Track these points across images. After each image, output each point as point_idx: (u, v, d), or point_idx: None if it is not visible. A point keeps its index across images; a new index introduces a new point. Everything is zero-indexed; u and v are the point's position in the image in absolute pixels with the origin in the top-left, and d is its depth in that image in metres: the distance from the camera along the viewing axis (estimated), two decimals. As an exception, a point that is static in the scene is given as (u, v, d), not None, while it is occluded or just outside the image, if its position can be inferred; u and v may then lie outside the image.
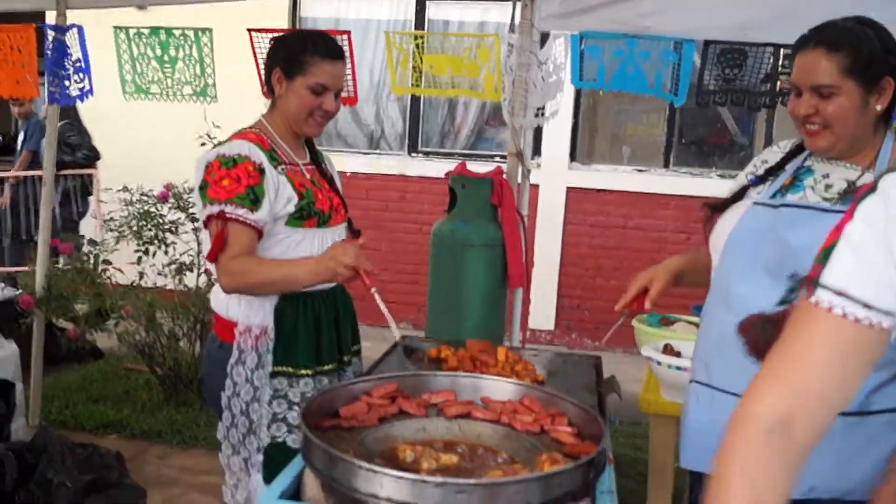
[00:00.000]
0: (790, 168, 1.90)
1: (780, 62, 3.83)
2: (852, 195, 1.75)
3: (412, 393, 1.88)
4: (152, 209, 4.49)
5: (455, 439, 1.73)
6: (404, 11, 6.98)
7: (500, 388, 1.89)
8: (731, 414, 1.74)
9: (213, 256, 2.14)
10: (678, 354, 2.68)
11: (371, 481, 1.39)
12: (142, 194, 4.54)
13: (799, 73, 1.77)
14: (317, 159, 2.39)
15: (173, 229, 4.47)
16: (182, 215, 4.46)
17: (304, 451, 1.56)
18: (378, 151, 7.13)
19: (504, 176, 3.66)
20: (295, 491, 1.56)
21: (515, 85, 3.72)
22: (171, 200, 4.39)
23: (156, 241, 4.49)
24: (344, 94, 3.59)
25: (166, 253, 4.50)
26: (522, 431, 1.71)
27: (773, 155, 1.98)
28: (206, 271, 4.46)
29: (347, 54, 3.97)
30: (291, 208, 2.18)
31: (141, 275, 4.56)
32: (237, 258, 2.11)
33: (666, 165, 6.70)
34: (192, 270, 4.52)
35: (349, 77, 4.05)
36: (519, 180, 3.84)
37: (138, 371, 4.98)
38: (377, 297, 2.05)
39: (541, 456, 1.51)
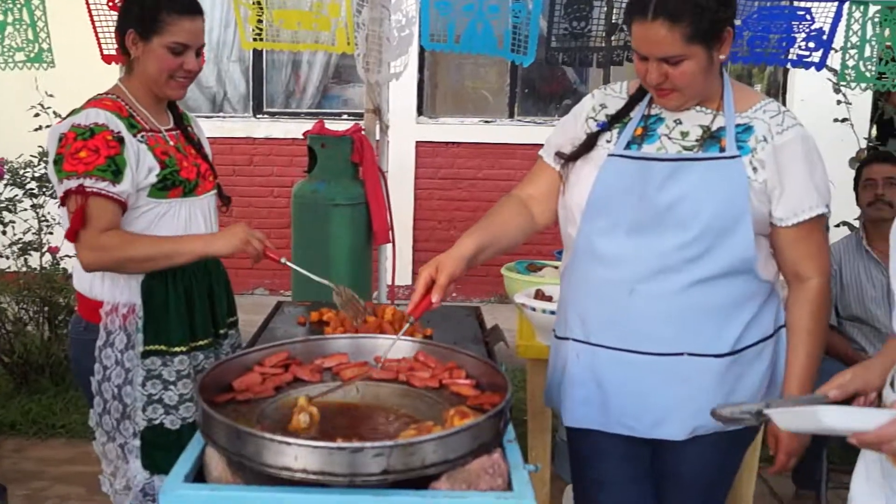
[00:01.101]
0: (636, 115, 1.87)
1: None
2: (711, 139, 1.79)
3: (305, 359, 1.85)
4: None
5: (354, 403, 1.72)
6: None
7: (394, 346, 1.89)
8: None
9: (73, 234, 2.01)
10: (549, 299, 2.76)
11: (284, 454, 1.36)
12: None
13: (641, 44, 1.72)
14: (182, 124, 2.27)
15: (11, 207, 4.15)
16: (19, 192, 4.15)
17: (206, 428, 1.50)
18: (222, 115, 6.87)
19: (362, 133, 3.63)
20: (198, 473, 1.50)
21: (369, 40, 3.66)
22: (7, 177, 4.07)
23: (-7, 221, 4.17)
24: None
25: (4, 233, 4.19)
26: (421, 388, 1.72)
27: (610, 99, 1.93)
28: (52, 250, 4.18)
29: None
30: (154, 178, 2.07)
31: (-22, 258, 4.24)
32: (106, 233, 2.00)
33: (511, 116, 6.85)
34: (37, 250, 4.23)
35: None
36: (377, 137, 3.81)
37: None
38: (290, 264, 2.05)
39: (449, 411, 1.53)
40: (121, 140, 2.02)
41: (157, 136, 2.14)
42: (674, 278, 1.77)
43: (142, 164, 2.05)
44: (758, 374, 1.87)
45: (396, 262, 3.69)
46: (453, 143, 6.75)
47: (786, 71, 6.66)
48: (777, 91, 6.81)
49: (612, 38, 3.85)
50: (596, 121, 1.91)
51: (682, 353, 1.80)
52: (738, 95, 1.84)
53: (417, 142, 6.74)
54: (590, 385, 1.88)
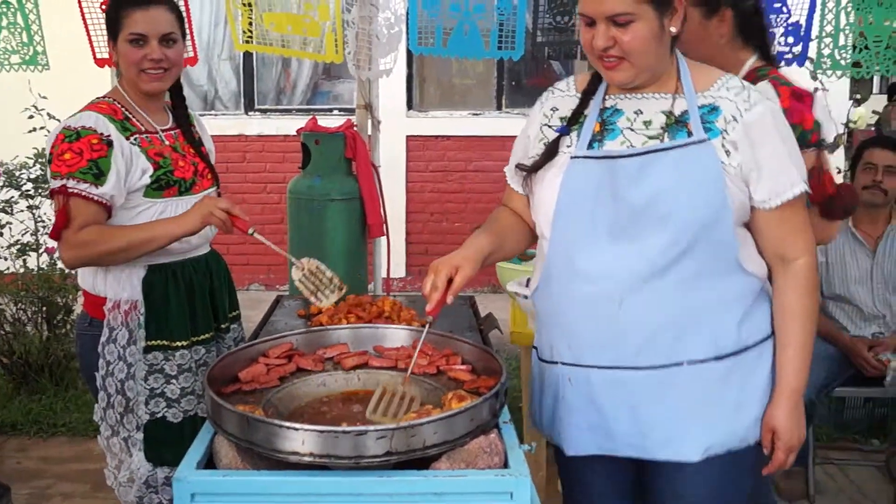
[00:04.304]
0: (592, 111, 1.74)
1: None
2: (676, 125, 1.66)
3: (307, 350, 1.92)
4: (-18, 189, 4.20)
5: (356, 390, 1.79)
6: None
7: (392, 335, 1.97)
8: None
9: (55, 233, 2.08)
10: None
11: (292, 439, 1.43)
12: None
13: (591, 5, 1.62)
14: (184, 123, 2.33)
15: (7, 209, 4.20)
16: (15, 193, 4.20)
17: (215, 418, 1.57)
18: (214, 112, 6.91)
19: (354, 129, 3.69)
20: (209, 460, 1.57)
21: (359, 38, 3.72)
22: (3, 178, 4.11)
23: (-10, 223, 4.21)
24: (188, 53, 3.49)
25: (1, 235, 4.23)
26: (420, 374, 1.80)
27: (560, 100, 1.81)
28: (49, 250, 4.23)
29: (184, 13, 3.85)
30: (147, 179, 2.13)
31: (-24, 260, 4.28)
32: (84, 229, 2.05)
33: (499, 108, 6.93)
34: (35, 251, 4.27)
35: (187, 35, 3.91)
36: (369, 132, 3.87)
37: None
38: (258, 236, 2.08)
39: (447, 395, 1.60)
40: (109, 143, 2.07)
41: (152, 137, 2.19)
42: (661, 282, 1.64)
43: (134, 167, 2.11)
44: (762, 377, 1.73)
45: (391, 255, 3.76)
46: (443, 136, 6.82)
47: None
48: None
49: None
50: (551, 127, 1.78)
51: (681, 363, 1.68)
52: (695, 74, 1.71)
53: (408, 136, 6.80)
54: (589, 410, 1.74)
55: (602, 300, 1.67)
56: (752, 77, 2.06)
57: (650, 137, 1.67)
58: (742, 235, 1.70)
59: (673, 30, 1.65)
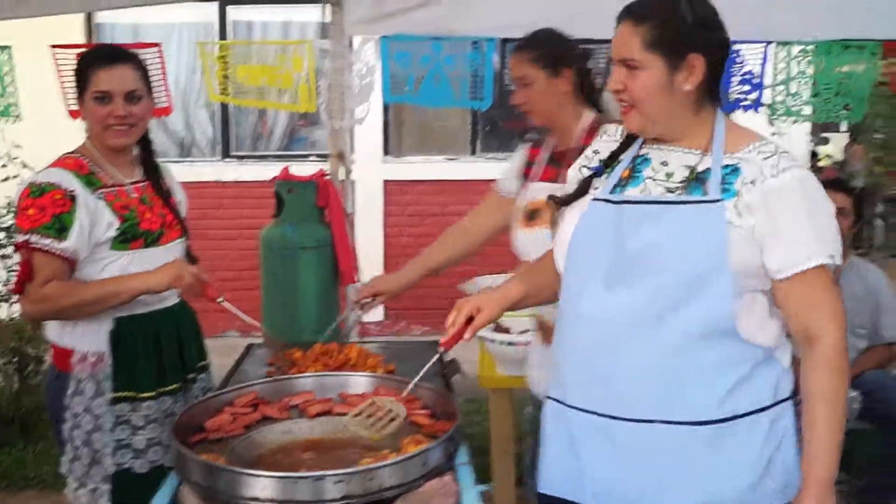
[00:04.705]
0: (626, 157, 1.77)
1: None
2: (696, 182, 1.66)
3: (273, 398, 1.97)
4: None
5: (319, 437, 1.85)
6: (206, 14, 6.86)
7: (356, 383, 2.03)
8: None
9: (19, 286, 2.14)
10: (507, 330, 2.91)
11: (253, 485, 1.49)
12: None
13: (613, 47, 1.69)
14: (153, 175, 2.39)
15: (-20, 259, 4.25)
16: (-12, 244, 4.25)
17: (180, 467, 1.63)
18: (190, 159, 7.00)
19: (327, 177, 3.77)
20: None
21: (332, 89, 3.83)
22: (-25, 228, 4.16)
23: (-39, 272, 4.24)
24: (163, 103, 3.57)
25: (-28, 284, 4.27)
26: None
27: (604, 144, 1.85)
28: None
29: (159, 64, 3.95)
30: (113, 232, 2.18)
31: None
32: (48, 284, 2.10)
33: (473, 153, 7.07)
34: (6, 301, 4.30)
35: (160, 85, 4.01)
36: (342, 178, 3.97)
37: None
38: (227, 305, 2.14)
39: (405, 439, 1.67)
40: (72, 198, 2.13)
41: (118, 191, 2.25)
42: (649, 335, 1.63)
43: (99, 221, 2.17)
44: (752, 450, 1.65)
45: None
46: (419, 180, 6.93)
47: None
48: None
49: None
50: (589, 168, 1.83)
51: (655, 421, 1.64)
52: (731, 136, 1.69)
53: (385, 181, 6.91)
54: (565, 450, 1.75)
55: (593, 346, 1.68)
56: (596, 125, 2.35)
57: (668, 190, 1.68)
58: (749, 303, 1.65)
59: (688, 87, 1.65)
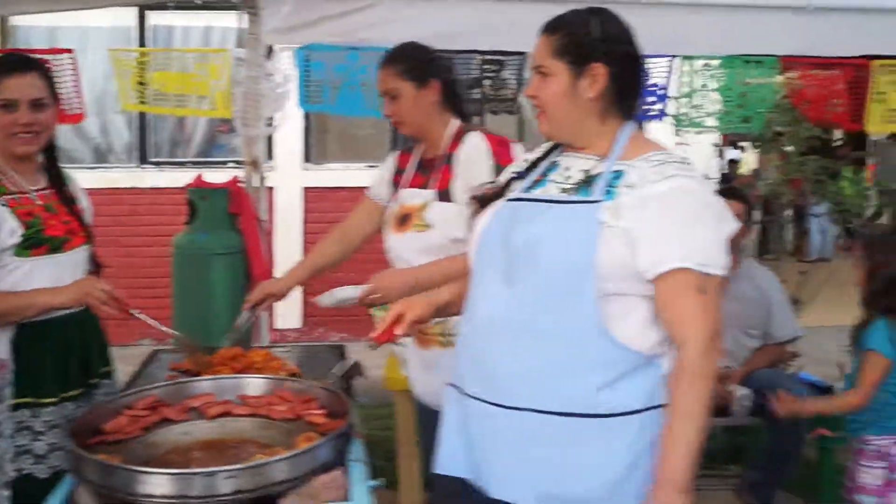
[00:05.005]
0: (545, 162, 1.87)
1: (483, 69, 4.28)
2: (585, 184, 1.74)
3: (173, 401, 2.02)
4: None
5: (218, 437, 1.90)
6: (126, 19, 6.79)
7: (255, 385, 2.09)
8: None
9: None
10: (412, 335, 2.99)
11: (147, 483, 1.54)
12: None
13: (532, 57, 1.81)
14: (58, 183, 2.40)
15: None
16: None
17: (75, 467, 1.67)
18: (106, 165, 6.92)
19: (241, 184, 3.81)
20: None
21: (246, 97, 3.87)
22: None
23: None
24: (75, 110, 3.56)
25: None
26: (280, 420, 1.93)
27: (534, 153, 1.93)
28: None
29: (71, 70, 3.93)
30: (17, 239, 2.20)
31: None
32: None
33: (396, 159, 7.14)
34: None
35: (74, 92, 3.99)
36: (256, 185, 4.01)
37: None
38: (142, 316, 2.18)
39: (298, 437, 1.74)
40: None
41: (22, 198, 2.27)
42: (527, 328, 1.69)
43: (2, 227, 2.19)
44: (617, 450, 1.69)
45: (285, 306, 3.87)
46: (340, 187, 6.97)
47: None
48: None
49: (475, 89, 4.20)
50: (516, 173, 1.91)
51: (529, 410, 1.69)
52: (633, 145, 1.77)
53: (305, 188, 6.93)
54: (459, 433, 1.83)
55: (479, 335, 1.76)
56: (461, 132, 2.53)
57: (562, 191, 1.76)
58: (628, 307, 1.69)
59: (591, 95, 1.73)
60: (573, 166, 1.80)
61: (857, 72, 4.17)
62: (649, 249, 1.64)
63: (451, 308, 1.94)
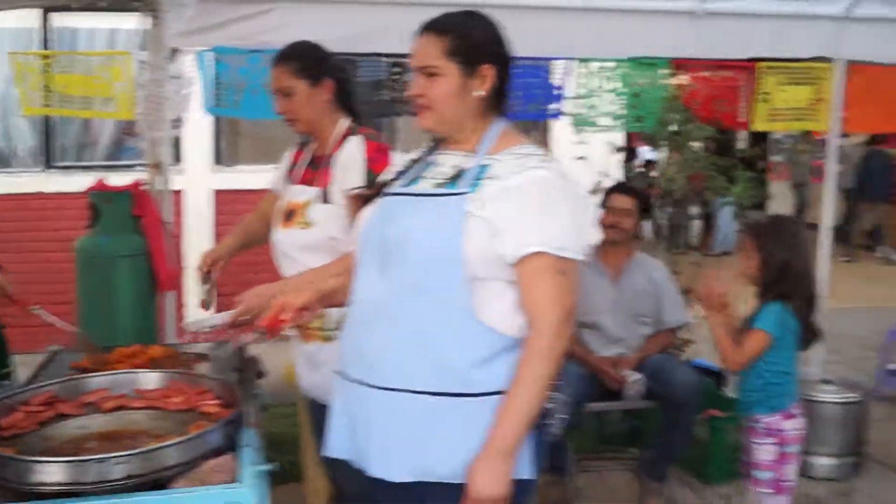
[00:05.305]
0: (422, 163, 1.98)
1: (391, 71, 4.39)
2: (455, 178, 1.86)
3: (69, 396, 2.07)
4: None
5: (113, 429, 1.96)
6: (28, 20, 6.66)
7: (151, 379, 2.16)
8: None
9: None
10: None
11: (40, 472, 1.61)
12: None
13: (413, 56, 1.89)
14: None
15: None
16: None
17: (-32, 461, 1.71)
18: (9, 170, 6.78)
19: (145, 186, 3.84)
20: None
21: (149, 99, 3.89)
22: None
23: None
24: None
25: None
26: (174, 411, 2.00)
27: (416, 153, 2.03)
28: None
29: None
30: None
31: None
32: None
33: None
34: None
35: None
36: (160, 187, 4.03)
37: None
38: (40, 312, 2.21)
39: (192, 426, 1.82)
40: None
41: None
42: (394, 314, 1.80)
43: None
44: (483, 428, 1.77)
45: (195, 306, 3.88)
46: (251, 190, 6.95)
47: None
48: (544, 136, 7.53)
49: (382, 91, 4.32)
50: (397, 171, 2.02)
51: (399, 389, 1.80)
52: (502, 141, 1.89)
53: (216, 190, 6.92)
54: (343, 416, 1.93)
55: (356, 321, 1.88)
56: (348, 133, 2.63)
57: (435, 185, 1.88)
58: (495, 292, 1.80)
59: (476, 93, 1.86)
60: (446, 163, 1.93)
61: (745, 74, 4.43)
62: (511, 236, 1.76)
63: (336, 297, 2.03)
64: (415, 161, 2.00)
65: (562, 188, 1.83)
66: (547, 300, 1.77)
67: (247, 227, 3.01)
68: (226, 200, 6.96)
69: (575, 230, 1.81)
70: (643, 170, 7.48)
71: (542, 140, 7.41)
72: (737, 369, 3.02)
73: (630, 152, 8.44)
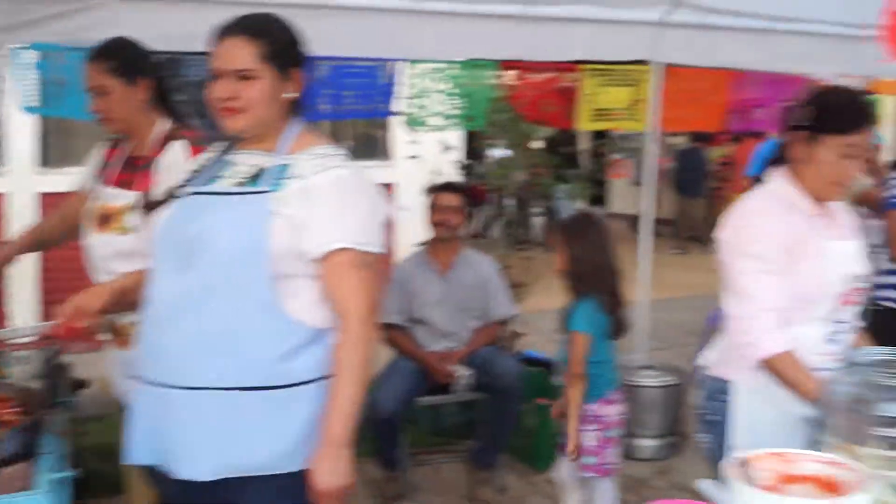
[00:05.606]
0: (219, 162, 1.98)
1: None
2: (255, 177, 1.88)
3: None
4: None
5: None
6: None
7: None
8: None
9: None
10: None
11: None
12: None
13: (222, 59, 1.86)
14: None
15: None
16: None
17: None
18: None
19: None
20: None
21: (-48, 100, 3.68)
22: None
23: None
24: None
25: None
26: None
27: (212, 153, 2.02)
28: None
29: None
30: None
31: None
32: None
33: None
34: None
35: None
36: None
37: None
38: None
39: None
40: None
41: None
42: (196, 311, 1.80)
43: None
44: (295, 418, 1.83)
45: (20, 311, 3.71)
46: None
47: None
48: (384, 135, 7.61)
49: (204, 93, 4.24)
50: (194, 171, 2.00)
51: (201, 388, 1.80)
52: (301, 141, 1.93)
53: (41, 193, 6.62)
54: (141, 420, 1.89)
55: (152, 321, 1.87)
56: (171, 136, 2.54)
57: (234, 184, 1.90)
58: (298, 286, 1.84)
59: (287, 95, 1.90)
60: (245, 161, 1.94)
61: (570, 76, 4.63)
62: (315, 233, 1.82)
63: (132, 295, 2.00)
64: (211, 160, 2.00)
65: (360, 187, 1.91)
66: (353, 293, 1.84)
67: (43, 228, 2.86)
68: (53, 203, 6.61)
69: (373, 226, 1.90)
70: (469, 165, 7.63)
71: (384, 139, 7.49)
72: (583, 374, 3.08)
73: (473, 152, 8.62)
